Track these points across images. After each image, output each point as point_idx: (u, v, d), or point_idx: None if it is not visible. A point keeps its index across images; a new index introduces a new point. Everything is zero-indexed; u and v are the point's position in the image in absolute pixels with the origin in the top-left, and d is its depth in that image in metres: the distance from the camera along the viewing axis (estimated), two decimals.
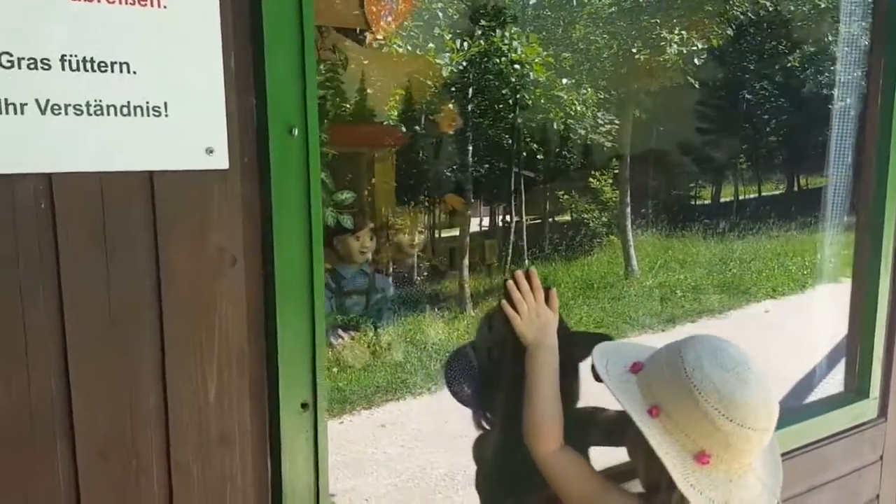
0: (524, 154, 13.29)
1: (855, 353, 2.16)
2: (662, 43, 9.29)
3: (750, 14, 10.49)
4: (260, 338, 1.20)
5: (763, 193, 23.79)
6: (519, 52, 8.29)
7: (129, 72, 1.04)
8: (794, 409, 2.09)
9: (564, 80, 9.30)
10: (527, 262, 12.59)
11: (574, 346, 1.54)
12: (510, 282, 1.48)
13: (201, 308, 1.13)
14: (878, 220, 2.06)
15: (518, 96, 9.51)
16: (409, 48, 6.72)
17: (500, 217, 15.50)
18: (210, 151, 1.11)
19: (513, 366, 1.51)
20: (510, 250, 12.40)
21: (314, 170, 1.19)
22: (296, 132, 1.16)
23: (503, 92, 9.27)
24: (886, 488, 2.27)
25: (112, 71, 1.03)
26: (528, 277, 1.49)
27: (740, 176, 23.02)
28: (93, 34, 1.00)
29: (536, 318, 1.47)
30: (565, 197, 14.68)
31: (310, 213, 1.20)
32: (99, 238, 1.04)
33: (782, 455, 1.98)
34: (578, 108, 10.35)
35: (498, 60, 8.28)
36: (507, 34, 8.28)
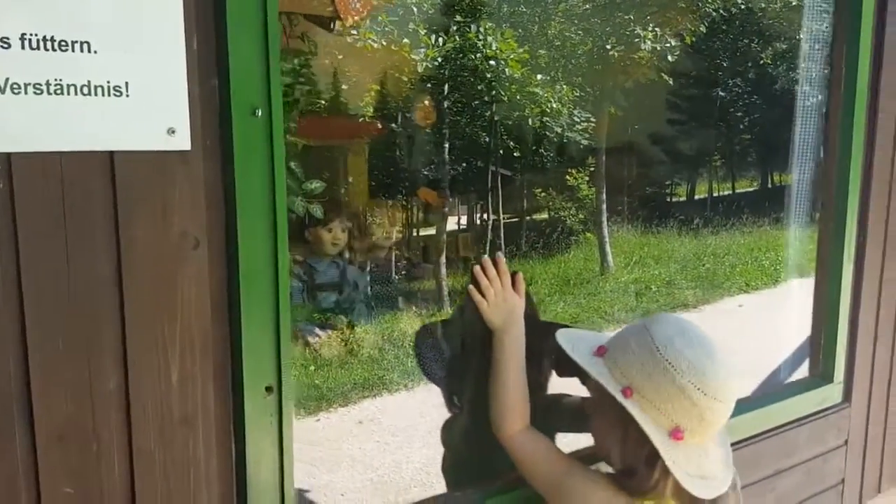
0: (501, 151, 13.34)
1: (819, 339, 2.19)
2: (636, 40, 9.35)
3: (721, 11, 10.59)
4: (224, 321, 1.20)
5: (737, 190, 24.06)
6: (494, 48, 8.30)
7: (90, 51, 1.03)
8: (759, 394, 2.11)
9: (539, 77, 9.32)
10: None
11: (542, 334, 1.56)
12: (477, 267, 1.49)
13: (163, 291, 1.12)
14: (841, 208, 2.10)
15: (493, 92, 9.52)
16: (384, 43, 6.71)
17: (479, 215, 15.53)
18: (172, 132, 1.10)
19: (481, 350, 1.52)
20: (487, 248, 12.44)
21: (278, 151, 1.18)
22: (259, 113, 1.16)
23: (479, 88, 9.28)
24: (851, 473, 2.31)
25: (73, 50, 1.02)
26: (495, 263, 1.50)
27: (715, 173, 23.27)
28: (54, 13, 0.99)
29: (503, 303, 1.48)
30: (542, 195, 14.75)
31: (274, 196, 1.19)
32: (59, 218, 1.03)
33: (748, 439, 2.03)
34: (554, 106, 10.40)
35: (473, 56, 8.28)
36: (482, 30, 8.28)
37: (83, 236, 1.05)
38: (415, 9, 7.50)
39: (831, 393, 2.18)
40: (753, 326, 7.08)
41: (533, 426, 1.45)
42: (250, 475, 1.24)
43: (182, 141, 1.11)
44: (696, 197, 22.89)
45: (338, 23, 2.45)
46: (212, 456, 1.20)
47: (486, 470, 1.60)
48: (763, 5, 14.01)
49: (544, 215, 15.54)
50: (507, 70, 8.55)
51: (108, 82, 1.05)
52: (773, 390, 2.17)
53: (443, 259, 8.64)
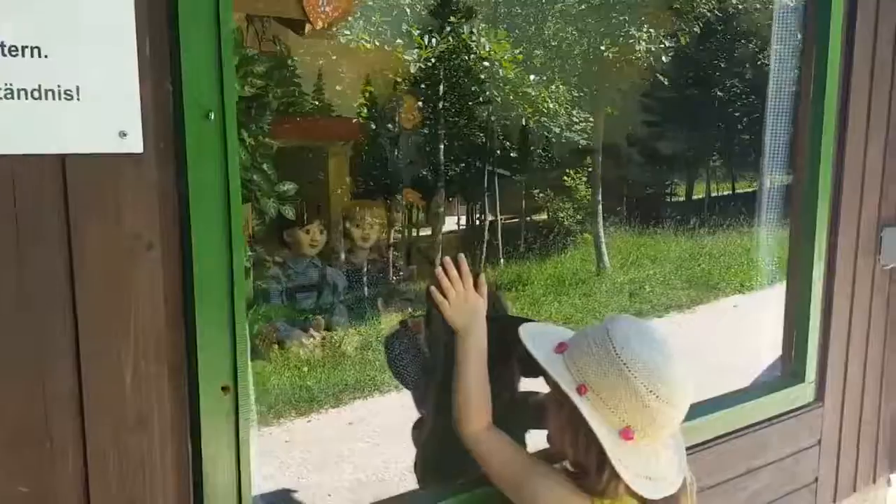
0: (498, 152, 13.33)
1: (791, 338, 2.20)
2: (631, 41, 9.36)
3: (717, 11, 10.60)
4: (179, 322, 1.21)
5: (738, 190, 24.01)
6: (487, 49, 8.31)
7: (40, 56, 1.05)
8: (730, 394, 2.12)
9: (533, 77, 9.32)
10: (501, 260, 12.65)
11: (512, 331, 1.57)
12: (438, 269, 1.50)
13: (116, 292, 1.14)
14: (811, 206, 2.11)
15: (487, 93, 9.53)
16: (377, 43, 6.72)
17: (476, 215, 15.53)
18: (123, 135, 1.11)
19: (445, 352, 1.54)
20: (483, 248, 12.44)
21: (232, 154, 1.20)
22: (212, 116, 1.17)
23: (472, 89, 9.29)
24: (825, 472, 2.32)
25: (23, 55, 1.04)
26: (457, 265, 1.51)
27: (713, 173, 23.24)
28: (3, 19, 1.01)
29: (465, 304, 1.49)
30: (540, 195, 14.74)
31: (228, 198, 1.20)
32: (10, 221, 1.04)
33: (719, 438, 2.04)
34: (551, 106, 10.40)
35: (466, 58, 8.29)
36: (475, 30, 8.29)
37: (35, 239, 1.06)
38: (408, 10, 7.53)
39: (803, 392, 2.19)
40: (747, 327, 7.09)
41: (501, 424, 1.46)
42: (206, 475, 1.25)
43: (134, 144, 1.12)
44: (695, 197, 22.87)
45: (308, 26, 2.47)
46: (167, 455, 1.21)
47: (454, 468, 1.61)
48: (758, 5, 14.01)
49: (542, 216, 15.54)
50: (500, 71, 8.58)
51: (59, 86, 1.06)
52: (745, 390, 2.17)
53: (438, 260, 8.65)
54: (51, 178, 1.07)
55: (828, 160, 2.09)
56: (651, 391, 1.20)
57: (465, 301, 1.49)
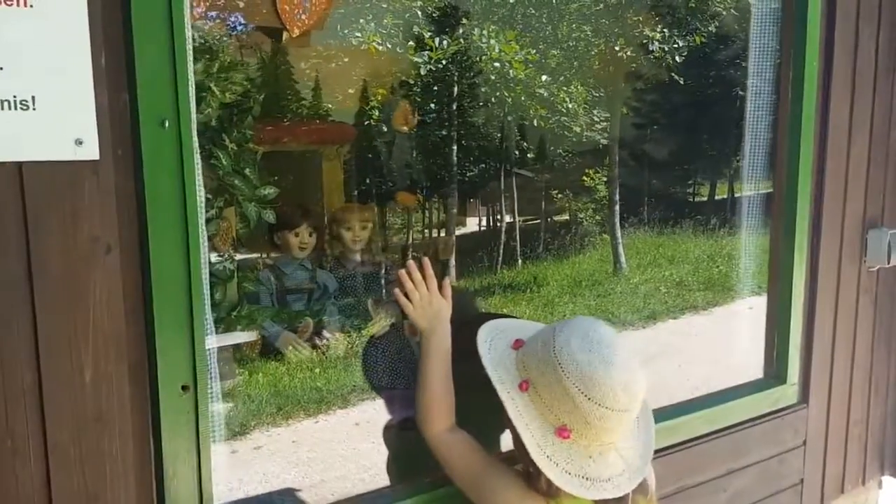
0: (517, 153, 13.32)
1: (773, 340, 2.20)
2: (645, 41, 9.32)
3: (734, 11, 10.51)
4: (139, 322, 1.25)
5: (761, 191, 23.70)
6: (497, 51, 8.31)
7: None
8: (712, 394, 2.13)
9: (545, 78, 9.31)
10: (519, 261, 12.65)
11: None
12: (402, 271, 1.53)
13: (75, 294, 1.18)
14: (791, 210, 2.11)
15: (497, 94, 9.54)
16: (388, 46, 6.77)
17: (493, 217, 15.54)
18: (80, 143, 1.15)
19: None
20: (500, 250, 12.45)
21: (188, 161, 1.23)
22: (167, 124, 1.21)
23: (482, 90, 9.30)
24: (810, 473, 2.31)
25: None
26: (421, 268, 1.54)
27: (735, 174, 22.97)
28: None
29: (428, 307, 1.52)
30: (558, 195, 14.71)
31: (185, 202, 1.24)
32: None
33: (699, 438, 2.05)
34: (569, 106, 10.37)
35: (477, 59, 8.31)
36: (485, 32, 8.31)
37: None
38: (419, 12, 7.57)
39: (785, 393, 2.19)
40: (761, 329, 7.02)
41: (476, 425, 1.49)
42: (167, 472, 1.28)
43: (90, 151, 1.17)
44: (717, 197, 22.63)
45: (285, 34, 2.51)
46: (128, 453, 1.25)
47: (420, 469, 1.64)
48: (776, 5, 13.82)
49: (560, 216, 15.50)
50: (511, 72, 8.58)
51: (15, 97, 1.10)
52: (727, 390, 2.17)
53: (452, 261, 8.68)
54: (8, 184, 1.11)
55: (807, 162, 2.09)
56: (582, 392, 1.21)
57: (429, 304, 1.52)
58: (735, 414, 2.08)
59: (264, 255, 3.42)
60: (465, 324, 1.56)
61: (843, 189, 2.22)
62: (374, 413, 5.52)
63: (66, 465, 1.20)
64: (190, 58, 1.24)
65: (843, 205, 2.22)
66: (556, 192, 14.74)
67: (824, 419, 2.31)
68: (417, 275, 1.52)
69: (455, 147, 9.69)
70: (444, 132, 10.66)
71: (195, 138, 1.26)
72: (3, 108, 1.10)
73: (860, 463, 2.47)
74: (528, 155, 13.93)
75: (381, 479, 4.29)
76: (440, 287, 1.55)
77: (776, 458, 2.20)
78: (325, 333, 3.05)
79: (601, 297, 9.39)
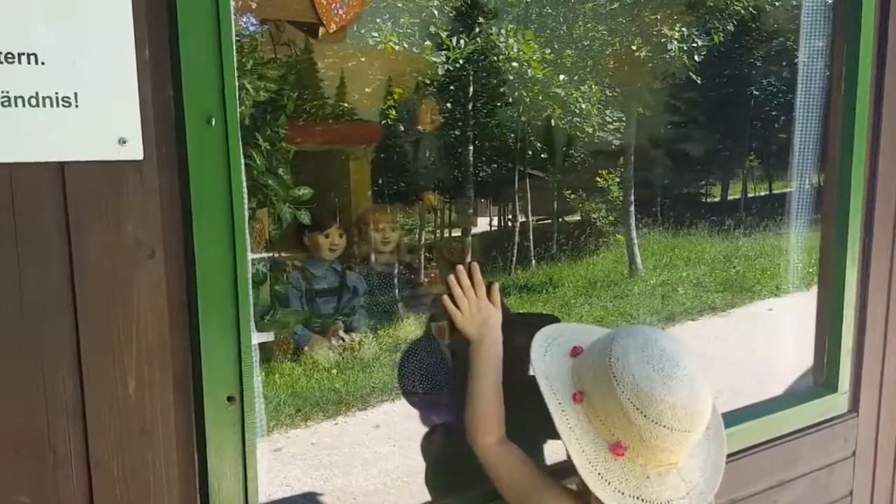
0: (530, 153, 13.25)
1: (823, 346, 2.12)
2: (663, 40, 9.23)
3: (752, 9, 10.41)
4: (184, 330, 1.19)
5: (775, 190, 23.56)
6: (516, 50, 8.25)
7: (37, 63, 1.03)
8: (761, 403, 2.05)
9: (562, 77, 9.24)
10: (533, 262, 12.58)
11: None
12: (451, 277, 1.47)
13: (118, 300, 1.12)
14: (844, 210, 2.03)
15: (516, 93, 9.47)
16: (405, 45, 6.71)
17: (508, 217, 15.48)
18: (123, 142, 1.10)
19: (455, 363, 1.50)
20: (514, 251, 12.38)
21: (234, 159, 1.17)
22: (214, 122, 1.15)
23: (501, 90, 9.24)
24: (860, 484, 2.23)
25: (20, 62, 1.02)
26: (469, 273, 1.48)
27: (750, 173, 22.84)
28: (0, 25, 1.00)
29: (477, 313, 1.46)
30: (572, 196, 14.63)
31: (231, 203, 1.18)
32: (9, 229, 1.03)
33: (748, 449, 1.97)
34: (584, 106, 10.30)
35: (495, 58, 8.24)
36: (503, 31, 8.25)
37: (35, 246, 1.05)
38: (435, 11, 7.51)
39: (836, 402, 2.11)
40: (783, 331, 6.93)
41: (525, 434, 1.42)
42: (212, 486, 1.23)
43: (134, 151, 1.11)
44: (731, 197, 22.49)
45: (321, 29, 2.45)
46: (172, 466, 1.20)
47: (465, 482, 1.57)
48: (794, 2, 13.72)
49: (574, 217, 15.41)
50: (529, 71, 8.51)
51: (57, 93, 1.05)
52: (776, 399, 2.10)
53: (468, 261, 8.60)
54: (50, 185, 1.06)
55: (860, 158, 2.01)
56: (637, 408, 1.13)
57: (477, 310, 1.46)
58: (786, 424, 2.01)
59: (291, 256, 3.38)
60: (505, 325, 1.50)
61: None
62: (395, 416, 5.47)
63: (109, 480, 1.14)
64: (234, 52, 1.18)
65: (895, 204, 2.14)
66: (569, 192, 14.65)
67: (874, 428, 2.23)
68: (466, 280, 1.46)
69: (471, 147, 9.63)
70: (460, 133, 10.60)
71: (240, 137, 1.20)
72: (44, 106, 1.04)
73: None
74: (542, 155, 13.83)
75: (403, 485, 4.26)
76: (488, 292, 1.48)
77: (826, 469, 2.12)
78: (355, 335, 2.99)
79: (618, 299, 9.32)
